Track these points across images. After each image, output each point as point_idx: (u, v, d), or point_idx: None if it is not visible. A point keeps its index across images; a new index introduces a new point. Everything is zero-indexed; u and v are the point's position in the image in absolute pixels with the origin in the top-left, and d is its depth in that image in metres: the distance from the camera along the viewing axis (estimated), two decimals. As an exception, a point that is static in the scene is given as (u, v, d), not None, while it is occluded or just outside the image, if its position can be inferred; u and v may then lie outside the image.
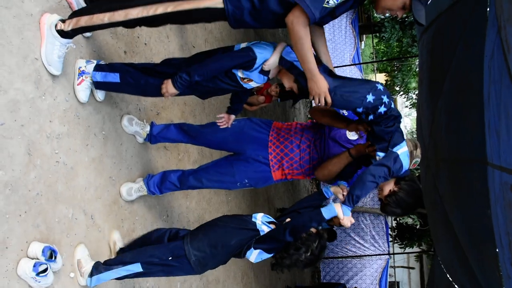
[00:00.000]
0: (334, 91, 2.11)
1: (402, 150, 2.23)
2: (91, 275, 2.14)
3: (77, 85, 2.25)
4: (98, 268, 2.16)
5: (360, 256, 9.43)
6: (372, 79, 2.59)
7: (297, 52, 1.99)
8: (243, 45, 2.21)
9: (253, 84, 2.26)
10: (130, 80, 2.28)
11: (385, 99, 2.15)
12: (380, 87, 2.19)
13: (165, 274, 2.22)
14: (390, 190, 2.33)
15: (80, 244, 2.21)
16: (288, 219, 2.18)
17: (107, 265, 2.16)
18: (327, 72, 2.18)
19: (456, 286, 6.17)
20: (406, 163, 2.26)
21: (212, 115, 4.30)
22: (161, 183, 2.72)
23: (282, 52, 2.14)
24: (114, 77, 2.29)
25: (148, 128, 2.80)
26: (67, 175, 2.17)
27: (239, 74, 2.20)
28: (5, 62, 1.81)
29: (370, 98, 2.11)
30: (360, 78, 10.00)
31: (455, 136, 5.13)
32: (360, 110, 2.16)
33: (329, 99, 2.10)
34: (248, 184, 2.70)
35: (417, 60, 9.00)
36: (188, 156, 3.68)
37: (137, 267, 2.13)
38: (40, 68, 2.00)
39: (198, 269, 2.15)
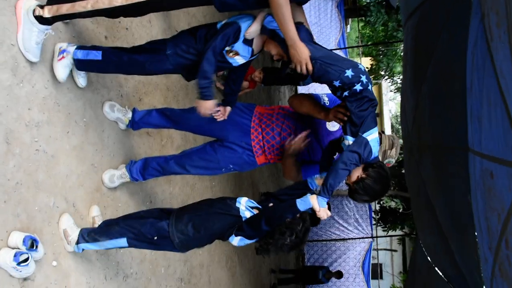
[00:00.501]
0: (315, 59, 2.13)
1: (372, 136, 2.22)
2: (78, 242, 2.19)
3: (58, 60, 2.19)
4: (84, 237, 2.20)
5: (344, 239, 9.59)
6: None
7: (278, 20, 2.01)
8: (223, 22, 2.22)
9: (238, 60, 2.27)
10: (113, 57, 2.25)
11: (363, 78, 2.17)
12: (361, 67, 2.23)
13: (149, 249, 2.30)
14: (358, 176, 2.30)
15: (64, 214, 2.22)
16: (271, 204, 2.21)
17: (94, 236, 2.20)
18: (310, 40, 2.20)
19: (436, 269, 6.33)
20: (375, 150, 2.25)
21: (196, 101, 4.26)
22: (144, 169, 2.70)
23: (264, 21, 2.16)
24: (96, 55, 2.24)
25: (130, 115, 2.77)
26: (48, 163, 2.14)
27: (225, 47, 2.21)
28: (-21, 49, 1.76)
29: (349, 73, 2.14)
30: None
31: (438, 122, 5.19)
32: (336, 83, 2.17)
33: (310, 67, 2.13)
34: (233, 169, 2.71)
35: (402, 45, 9.03)
36: (171, 142, 3.65)
37: (123, 242, 2.18)
38: (17, 55, 1.95)
39: (181, 250, 2.22)
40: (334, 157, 2.53)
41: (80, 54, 2.24)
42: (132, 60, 2.25)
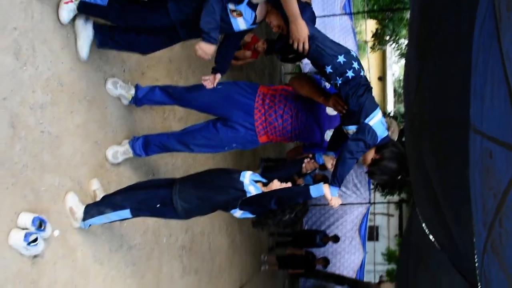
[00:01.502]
0: (312, 40, 2.17)
1: (374, 120, 2.24)
2: (84, 219, 2.28)
3: (64, 3, 2.19)
4: (90, 212, 2.28)
5: (342, 203, 9.77)
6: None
7: None
8: None
9: (240, 23, 2.27)
10: (116, 5, 2.25)
11: (355, 65, 2.21)
12: (353, 53, 2.26)
13: (152, 216, 2.41)
14: (372, 158, 2.35)
15: (69, 192, 2.29)
16: (275, 181, 2.26)
17: (99, 209, 2.28)
18: (312, 20, 2.24)
19: (431, 237, 6.50)
20: (381, 131, 2.27)
21: (198, 72, 4.24)
22: (146, 146, 2.75)
23: None
24: (102, 0, 2.23)
25: (133, 91, 2.78)
26: (52, 144, 2.18)
27: (230, 6, 2.21)
28: (-18, 35, 1.75)
29: (341, 59, 2.18)
30: (351, 30, 9.85)
31: (441, 96, 5.16)
32: (328, 69, 2.20)
33: (306, 46, 2.16)
34: (235, 148, 2.75)
35: (409, 12, 8.82)
36: (173, 114, 3.67)
37: (126, 213, 2.26)
38: (19, 37, 1.94)
39: (184, 217, 2.30)
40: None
41: None
42: (135, 10, 2.27)
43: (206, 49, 2.23)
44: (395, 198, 11.50)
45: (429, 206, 6.20)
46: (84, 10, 2.30)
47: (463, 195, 4.40)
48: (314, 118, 2.61)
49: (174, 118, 3.68)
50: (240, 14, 2.23)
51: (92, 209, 2.28)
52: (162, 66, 3.49)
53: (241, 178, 2.25)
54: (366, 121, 2.24)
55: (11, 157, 1.90)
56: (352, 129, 2.26)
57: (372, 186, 10.70)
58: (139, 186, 2.45)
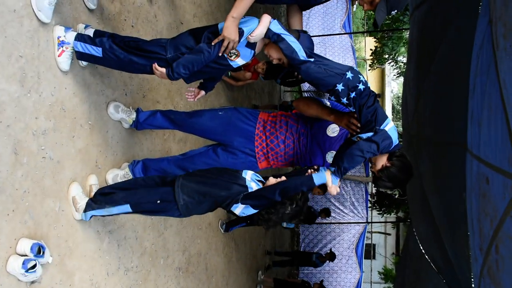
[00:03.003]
0: (316, 63, 2.22)
1: (389, 126, 2.30)
2: (85, 210, 2.29)
3: (58, 56, 2.20)
4: (91, 205, 2.29)
5: (340, 222, 9.75)
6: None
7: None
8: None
9: (239, 62, 2.30)
10: (113, 57, 2.27)
11: (362, 78, 2.27)
12: (355, 68, 2.34)
13: (151, 215, 2.38)
14: (382, 165, 2.38)
15: (73, 182, 2.32)
16: (271, 178, 2.27)
17: (100, 202, 2.29)
18: (311, 48, 2.32)
19: (427, 257, 6.48)
20: (395, 137, 2.31)
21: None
22: (145, 171, 2.76)
23: (269, 25, 2.19)
24: (96, 51, 2.25)
25: (134, 115, 2.80)
26: (54, 169, 2.19)
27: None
28: (-11, 64, 1.78)
29: (349, 74, 2.23)
30: (351, 48, 9.95)
31: (439, 118, 5.21)
32: (340, 86, 2.24)
33: (234, 47, 2.18)
34: None
35: (408, 32, 8.94)
36: (173, 136, 3.69)
37: (126, 208, 2.25)
38: (25, 65, 1.97)
39: (184, 213, 2.26)
40: None
41: (80, 47, 2.24)
42: (132, 63, 2.28)
43: (163, 76, 2.26)
44: (392, 217, 11.51)
45: (425, 226, 6.20)
46: (81, 58, 2.32)
47: (460, 217, 4.40)
48: (315, 141, 2.64)
49: (174, 140, 3.70)
50: (238, 55, 2.26)
51: (95, 202, 2.30)
52: (163, 88, 3.52)
53: (243, 175, 2.27)
54: (381, 127, 2.28)
55: (13, 183, 1.92)
56: (367, 136, 2.29)
57: (369, 205, 10.69)
58: (138, 184, 2.45)
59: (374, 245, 15.97)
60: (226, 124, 2.68)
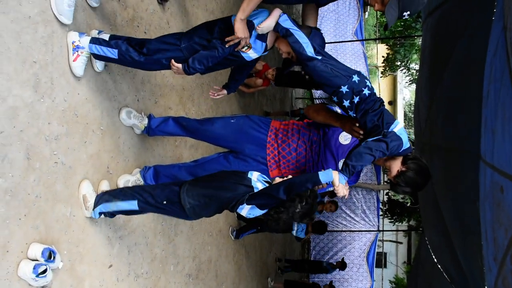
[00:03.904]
0: (324, 62, 2.22)
1: (398, 127, 2.25)
2: (95, 206, 2.30)
3: (73, 61, 2.23)
4: (102, 197, 2.31)
5: (351, 230, 9.67)
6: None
7: None
8: None
9: (251, 55, 2.33)
10: (128, 58, 2.31)
11: (368, 83, 2.25)
12: (363, 73, 2.31)
13: (158, 213, 2.37)
14: (398, 170, 2.32)
15: (85, 180, 2.33)
16: (277, 178, 2.24)
17: (108, 195, 2.30)
18: (322, 46, 2.33)
19: (439, 266, 6.38)
20: (405, 139, 2.26)
21: (210, 98, 4.28)
22: (157, 177, 2.76)
23: (279, 18, 2.20)
24: (112, 53, 2.30)
25: (146, 121, 2.81)
26: (66, 175, 2.20)
27: None
28: (3, 70, 1.80)
29: (355, 78, 2.22)
30: (363, 55, 9.92)
31: (451, 125, 5.15)
32: (345, 89, 2.23)
33: (246, 43, 2.22)
34: None
35: (421, 38, 8.88)
36: (184, 142, 3.70)
37: (133, 205, 2.25)
38: (38, 71, 1.99)
39: (192, 216, 2.25)
40: None
41: (96, 50, 2.28)
42: (148, 60, 2.30)
43: (180, 72, 2.31)
44: (404, 225, 11.38)
45: (437, 233, 6.11)
46: (98, 58, 2.37)
47: (473, 226, 4.31)
48: (328, 149, 2.62)
49: (185, 146, 3.71)
50: (250, 47, 2.28)
51: (104, 195, 2.31)
52: (175, 94, 3.53)
53: (249, 176, 2.25)
54: (390, 129, 2.24)
55: (25, 188, 1.93)
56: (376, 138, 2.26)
57: (381, 213, 10.59)
58: (146, 186, 2.45)
59: (386, 253, 15.79)
60: (237, 132, 2.68)
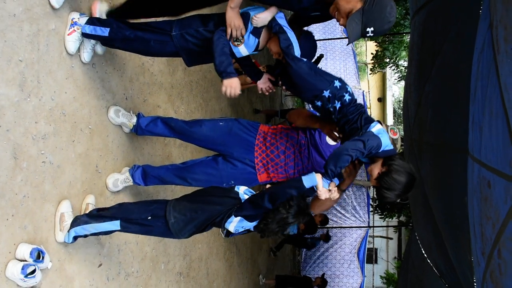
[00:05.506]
0: (308, 64, 2.27)
1: (376, 128, 2.22)
2: (70, 228, 2.18)
3: (67, 35, 2.28)
4: (77, 221, 2.19)
5: (341, 227, 9.72)
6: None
7: None
8: None
9: (242, 50, 2.32)
10: (119, 34, 2.33)
11: (349, 89, 2.30)
12: (343, 80, 2.36)
13: (141, 232, 2.26)
14: (378, 172, 2.21)
15: (65, 200, 2.25)
16: (268, 186, 2.25)
17: (86, 219, 2.19)
18: (309, 53, 2.38)
19: (429, 261, 6.45)
20: (384, 139, 2.20)
21: (200, 96, 4.28)
22: (145, 177, 2.75)
23: (276, 14, 2.23)
24: (103, 31, 2.32)
25: (134, 120, 2.79)
26: (54, 174, 2.19)
27: None
28: (-12, 68, 1.78)
29: (337, 83, 2.27)
30: (352, 52, 9.95)
31: (440, 121, 5.20)
32: (327, 93, 2.26)
33: (239, 34, 2.23)
34: (233, 184, 2.74)
35: (409, 36, 8.95)
36: (174, 141, 3.69)
37: (115, 225, 2.17)
38: (24, 70, 1.97)
39: (175, 232, 2.17)
40: None
41: (88, 29, 2.32)
42: (137, 37, 2.32)
43: (232, 84, 2.26)
44: (394, 221, 11.47)
45: (427, 229, 6.17)
46: (87, 37, 2.37)
47: (461, 221, 4.38)
48: (316, 150, 2.63)
49: (175, 145, 3.70)
50: (242, 42, 2.28)
51: (82, 217, 2.21)
52: (164, 92, 3.52)
53: (236, 189, 2.25)
54: (368, 130, 2.22)
55: (12, 188, 1.91)
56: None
57: (371, 209, 10.67)
58: (130, 203, 2.41)
59: (376, 249, 15.91)
60: (226, 135, 2.67)
